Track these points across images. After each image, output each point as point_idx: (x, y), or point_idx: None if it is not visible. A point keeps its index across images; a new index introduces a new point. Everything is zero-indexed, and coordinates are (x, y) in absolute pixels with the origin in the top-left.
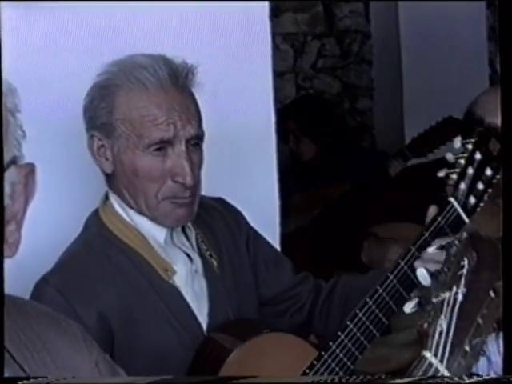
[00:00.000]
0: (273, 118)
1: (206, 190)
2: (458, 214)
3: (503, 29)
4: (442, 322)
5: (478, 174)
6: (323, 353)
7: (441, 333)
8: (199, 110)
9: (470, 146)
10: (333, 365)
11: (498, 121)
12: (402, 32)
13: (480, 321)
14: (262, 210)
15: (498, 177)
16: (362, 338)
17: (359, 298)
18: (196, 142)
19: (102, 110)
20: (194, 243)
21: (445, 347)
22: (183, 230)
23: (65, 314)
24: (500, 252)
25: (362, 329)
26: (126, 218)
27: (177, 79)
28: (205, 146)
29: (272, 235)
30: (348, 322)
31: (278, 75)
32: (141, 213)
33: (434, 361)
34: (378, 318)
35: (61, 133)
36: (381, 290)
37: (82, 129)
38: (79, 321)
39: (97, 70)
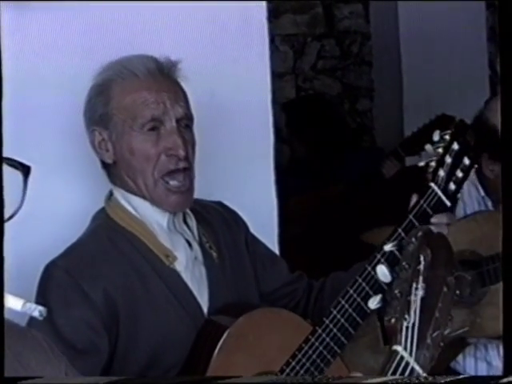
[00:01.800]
0: (271, 120)
1: (204, 190)
2: (440, 197)
3: (503, 29)
4: (408, 317)
5: (457, 163)
6: (317, 328)
7: (407, 327)
8: (186, 95)
9: (447, 137)
10: (327, 339)
11: None
12: (401, 33)
13: (437, 314)
14: (260, 212)
15: (476, 166)
16: (353, 314)
17: None
18: (187, 123)
19: (99, 103)
20: (196, 232)
21: (412, 340)
22: (184, 219)
23: (73, 291)
24: (451, 248)
25: (354, 305)
26: (130, 209)
27: (162, 69)
28: (202, 147)
29: (270, 238)
30: (340, 299)
31: (277, 76)
32: (142, 197)
33: (405, 354)
34: (368, 294)
35: (60, 132)
36: (369, 268)
37: (80, 129)
38: (86, 297)
39: (94, 71)
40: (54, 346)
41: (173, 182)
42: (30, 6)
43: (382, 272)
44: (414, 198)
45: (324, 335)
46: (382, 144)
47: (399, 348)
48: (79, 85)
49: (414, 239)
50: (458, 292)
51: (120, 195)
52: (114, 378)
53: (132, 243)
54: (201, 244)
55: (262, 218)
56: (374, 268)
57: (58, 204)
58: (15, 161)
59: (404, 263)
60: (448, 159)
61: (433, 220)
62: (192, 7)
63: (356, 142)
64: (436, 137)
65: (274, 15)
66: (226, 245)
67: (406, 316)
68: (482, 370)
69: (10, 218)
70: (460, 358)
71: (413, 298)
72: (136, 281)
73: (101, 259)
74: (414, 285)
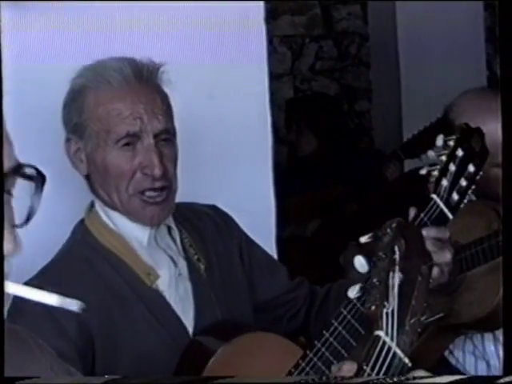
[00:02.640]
0: (269, 120)
1: (202, 191)
2: (441, 210)
3: (503, 31)
4: (387, 304)
5: (461, 171)
6: (308, 352)
7: (387, 313)
8: (169, 104)
9: (451, 143)
10: (319, 363)
11: (470, 123)
12: (399, 34)
13: (414, 302)
14: (258, 213)
15: (482, 173)
16: (347, 336)
17: None
18: (166, 137)
19: (73, 111)
20: (180, 246)
21: (392, 326)
22: (169, 232)
23: (44, 318)
24: (423, 238)
25: (348, 327)
26: (110, 224)
27: (141, 75)
28: (201, 148)
29: (268, 239)
30: (333, 321)
31: (275, 77)
32: (119, 211)
33: (387, 339)
34: (363, 315)
35: (56, 136)
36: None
37: None
38: (58, 325)
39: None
40: (39, 342)
41: (148, 193)
42: (27, 7)
43: (360, 262)
44: (413, 212)
45: (315, 359)
46: (381, 145)
47: (381, 333)
48: None
49: (389, 230)
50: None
51: (100, 208)
52: (113, 377)
53: (111, 263)
54: (187, 258)
55: (260, 219)
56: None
57: (51, 208)
58: (35, 168)
59: (380, 253)
60: (452, 167)
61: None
62: (190, 8)
63: (354, 142)
64: (439, 142)
65: (272, 16)
66: (216, 254)
67: (386, 303)
68: (482, 369)
69: (22, 225)
70: (460, 356)
71: (390, 286)
72: (114, 304)
73: (76, 283)
74: (391, 274)
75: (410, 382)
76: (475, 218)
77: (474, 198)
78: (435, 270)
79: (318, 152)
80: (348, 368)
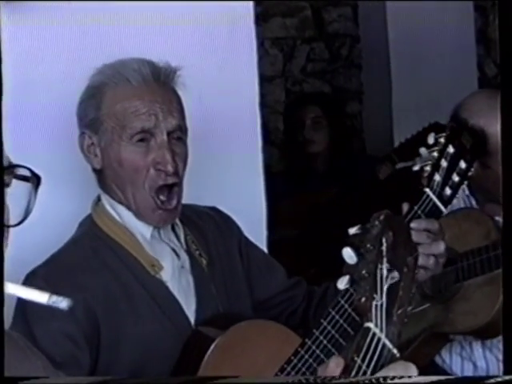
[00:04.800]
0: (259, 122)
1: (194, 194)
2: (435, 203)
3: (503, 31)
4: (376, 296)
5: (452, 167)
6: (307, 340)
7: (376, 305)
8: (182, 105)
9: (442, 140)
10: (317, 351)
11: (481, 123)
12: (390, 35)
13: (401, 293)
14: (249, 215)
15: (473, 170)
16: (344, 325)
17: None
18: (179, 135)
19: (90, 107)
20: (183, 240)
21: (381, 318)
22: (173, 228)
23: None
24: (409, 231)
25: (345, 316)
26: (116, 216)
27: (158, 76)
28: (191, 151)
29: (259, 241)
30: (330, 310)
31: (267, 80)
32: (128, 207)
33: (377, 330)
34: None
35: (48, 138)
36: None
37: (68, 134)
38: (68, 310)
39: (83, 76)
40: (30, 344)
41: (162, 198)
42: (18, 9)
43: (348, 254)
44: (406, 206)
45: (314, 347)
46: (372, 147)
47: (371, 325)
48: (67, 89)
49: (377, 222)
50: (431, 287)
51: (106, 201)
52: (109, 377)
53: (116, 252)
54: (189, 252)
55: (250, 220)
56: None
57: (47, 209)
58: (28, 168)
59: (369, 245)
60: (443, 163)
61: (412, 225)
62: (180, 10)
63: (346, 144)
64: (431, 140)
65: (263, 19)
66: (217, 252)
67: (375, 295)
68: (469, 370)
69: (17, 225)
70: (447, 357)
71: (378, 277)
72: (119, 292)
73: (82, 269)
74: (379, 265)
75: (390, 382)
76: (473, 226)
77: (474, 205)
78: (431, 260)
79: (307, 157)
80: (334, 364)
